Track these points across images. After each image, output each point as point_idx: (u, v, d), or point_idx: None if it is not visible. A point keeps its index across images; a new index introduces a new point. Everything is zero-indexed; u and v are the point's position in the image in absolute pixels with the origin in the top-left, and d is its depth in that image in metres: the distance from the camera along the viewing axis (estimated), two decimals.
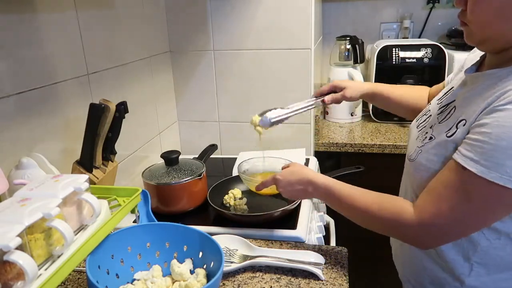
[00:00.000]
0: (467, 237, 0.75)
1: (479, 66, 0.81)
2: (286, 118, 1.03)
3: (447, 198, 0.69)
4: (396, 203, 0.78)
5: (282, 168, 0.99)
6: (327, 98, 1.07)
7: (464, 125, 0.70)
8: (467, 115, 0.70)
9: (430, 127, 0.81)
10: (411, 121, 0.97)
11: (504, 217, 0.70)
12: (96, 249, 0.70)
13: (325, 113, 1.95)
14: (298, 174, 0.92)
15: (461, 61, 0.98)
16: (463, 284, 0.79)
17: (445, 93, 0.88)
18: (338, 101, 1.08)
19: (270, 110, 1.02)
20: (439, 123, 0.79)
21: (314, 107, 1.09)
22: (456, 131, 0.71)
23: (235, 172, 1.38)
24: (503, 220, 0.71)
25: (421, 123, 0.89)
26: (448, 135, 0.73)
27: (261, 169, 1.19)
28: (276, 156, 1.19)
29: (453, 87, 0.86)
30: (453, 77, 0.96)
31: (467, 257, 0.77)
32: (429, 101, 1.08)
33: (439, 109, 0.84)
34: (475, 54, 0.88)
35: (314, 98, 1.09)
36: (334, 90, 1.09)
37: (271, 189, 1.02)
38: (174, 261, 0.79)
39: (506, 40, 0.68)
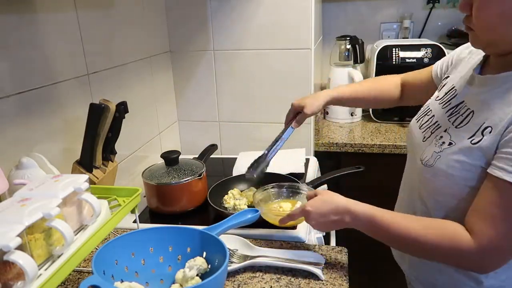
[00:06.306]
0: None
1: (482, 66, 0.81)
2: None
3: (503, 218, 0.67)
4: (449, 228, 0.73)
5: (308, 198, 0.89)
6: (293, 124, 1.07)
7: (490, 132, 0.69)
8: (492, 122, 0.70)
9: (445, 131, 0.79)
10: (409, 120, 0.96)
11: None
12: (100, 255, 0.69)
13: (325, 113, 1.95)
14: (331, 202, 0.82)
15: (452, 54, 0.96)
16: (481, 284, 0.78)
17: (447, 93, 0.86)
18: (301, 122, 1.07)
19: (253, 164, 1.06)
20: (455, 127, 0.77)
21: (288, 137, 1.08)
22: (482, 138, 0.70)
23: (235, 172, 1.38)
24: None
25: (424, 123, 0.88)
26: (473, 142, 0.71)
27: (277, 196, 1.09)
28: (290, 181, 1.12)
29: (454, 86, 0.85)
30: (444, 71, 0.95)
31: None
32: (405, 87, 1.11)
33: (448, 110, 0.82)
34: (470, 51, 0.88)
35: (289, 129, 1.07)
36: (298, 111, 1.07)
37: (297, 221, 0.92)
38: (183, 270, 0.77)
39: (511, 42, 0.70)
